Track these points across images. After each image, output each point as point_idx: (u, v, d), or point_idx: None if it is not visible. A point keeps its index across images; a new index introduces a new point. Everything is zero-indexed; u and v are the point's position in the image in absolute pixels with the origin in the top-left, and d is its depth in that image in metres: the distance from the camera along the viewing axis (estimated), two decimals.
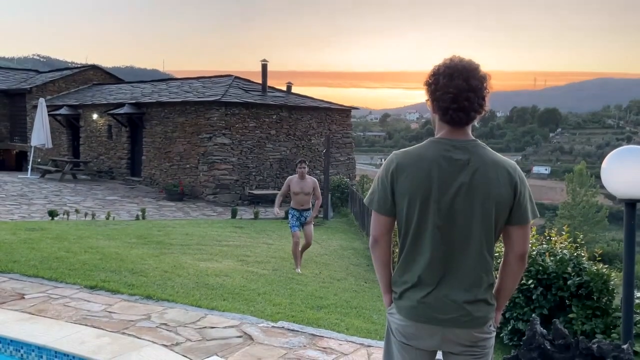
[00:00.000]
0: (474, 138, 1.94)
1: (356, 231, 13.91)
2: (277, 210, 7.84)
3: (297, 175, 7.64)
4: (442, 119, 1.93)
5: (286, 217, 9.56)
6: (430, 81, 1.93)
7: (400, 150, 2.01)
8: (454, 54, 1.93)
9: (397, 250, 2.08)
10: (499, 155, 1.94)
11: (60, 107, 22.53)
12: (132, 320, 4.29)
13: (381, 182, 1.97)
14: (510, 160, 1.95)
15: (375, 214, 2.01)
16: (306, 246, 7.90)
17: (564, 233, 5.36)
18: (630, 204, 2.53)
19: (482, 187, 1.86)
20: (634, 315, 4.24)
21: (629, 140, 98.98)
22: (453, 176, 1.87)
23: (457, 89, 1.85)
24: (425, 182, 1.88)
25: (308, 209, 7.67)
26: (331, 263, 9.01)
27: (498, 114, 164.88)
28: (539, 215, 1.95)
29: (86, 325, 4.13)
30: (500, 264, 2.01)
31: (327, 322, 4.87)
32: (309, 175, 7.85)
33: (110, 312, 4.50)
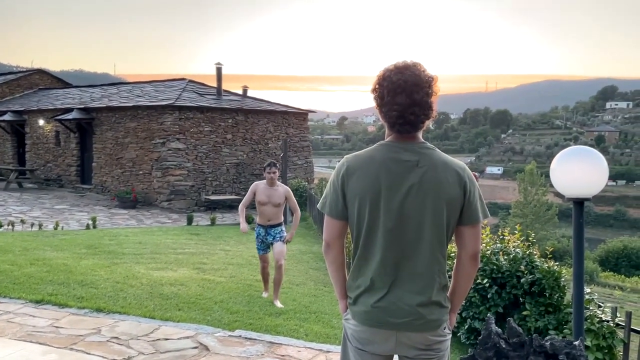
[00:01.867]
0: (423, 140, 1.94)
1: (315, 235, 13.87)
2: (244, 226, 6.02)
3: (264, 181, 5.98)
4: (389, 127, 1.94)
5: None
6: (375, 95, 1.92)
7: (352, 154, 2.00)
8: (398, 60, 1.91)
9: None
10: (448, 157, 1.94)
11: (4, 112, 21.58)
12: (80, 335, 4.10)
13: (332, 186, 1.97)
14: (459, 161, 1.96)
15: (327, 217, 1.99)
16: (277, 276, 5.94)
17: (516, 232, 5.47)
18: (578, 202, 2.59)
19: (432, 188, 1.85)
20: (585, 311, 4.36)
21: (576, 141, 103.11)
22: (402, 177, 1.86)
23: (401, 106, 1.85)
24: (375, 184, 1.87)
25: (277, 225, 5.98)
26: (290, 268, 8.92)
27: (452, 116, 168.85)
28: (489, 215, 1.96)
29: (31, 342, 3.92)
30: (454, 265, 2.01)
31: (286, 328, 4.81)
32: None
33: (57, 327, 4.29)
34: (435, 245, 1.88)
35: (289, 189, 6.08)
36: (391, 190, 1.86)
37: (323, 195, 2.02)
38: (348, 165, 1.94)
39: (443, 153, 1.94)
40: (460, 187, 1.88)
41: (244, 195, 6.16)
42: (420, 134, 1.94)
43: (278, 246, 5.96)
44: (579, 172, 2.57)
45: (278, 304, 5.80)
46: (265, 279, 6.29)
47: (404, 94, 1.84)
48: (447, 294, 1.98)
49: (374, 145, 1.97)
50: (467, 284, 2.01)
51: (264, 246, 6.08)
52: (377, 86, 1.91)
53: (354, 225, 1.94)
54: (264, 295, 6.17)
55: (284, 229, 6.07)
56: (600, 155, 2.68)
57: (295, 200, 6.05)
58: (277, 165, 6.05)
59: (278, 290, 5.98)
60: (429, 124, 1.94)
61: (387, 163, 1.88)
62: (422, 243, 1.87)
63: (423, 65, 1.90)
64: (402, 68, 1.88)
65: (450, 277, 2.01)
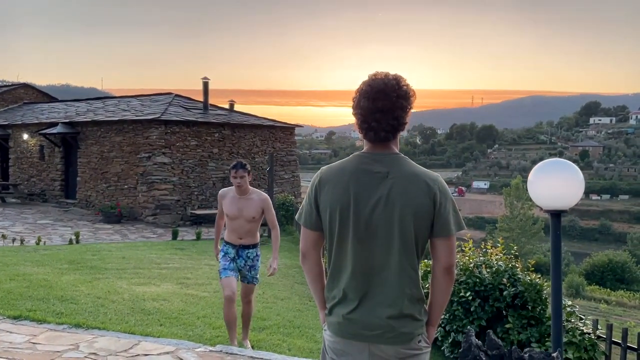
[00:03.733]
0: (396, 152, 1.94)
1: None
2: (218, 252, 4.73)
3: (232, 188, 4.55)
4: (362, 137, 1.97)
5: None
6: (352, 99, 1.97)
7: (327, 165, 2.02)
8: (378, 71, 1.93)
9: None
10: (420, 168, 1.94)
11: None
12: (57, 351, 4.03)
13: (307, 197, 2.00)
14: (432, 172, 1.95)
15: (303, 228, 2.02)
16: (246, 310, 4.72)
17: (499, 245, 5.50)
18: (555, 214, 2.61)
19: (400, 199, 1.85)
20: (567, 323, 4.38)
21: (560, 155, 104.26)
22: (372, 189, 1.87)
23: (364, 110, 1.88)
24: (344, 195, 1.88)
25: (252, 247, 4.57)
26: (275, 282, 8.87)
27: (439, 131, 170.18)
28: (465, 227, 1.96)
29: (7, 358, 3.84)
30: (430, 279, 2.00)
31: (269, 343, 4.76)
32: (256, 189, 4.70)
33: (34, 343, 4.21)
34: (404, 257, 1.87)
35: (267, 198, 4.62)
36: (360, 201, 1.87)
37: (300, 207, 2.05)
38: (321, 176, 1.97)
39: (415, 164, 1.94)
40: (429, 198, 1.86)
41: None
42: (393, 145, 1.94)
43: (248, 290, 4.66)
44: (555, 184, 2.60)
45: (247, 344, 4.62)
46: (231, 324, 4.53)
47: (368, 99, 1.87)
48: (425, 307, 1.97)
49: (349, 157, 1.99)
50: (444, 297, 1.99)
51: (233, 265, 4.51)
52: (355, 93, 1.96)
53: (327, 236, 1.96)
54: (234, 345, 4.46)
55: (259, 253, 4.63)
56: (576, 167, 2.71)
57: (274, 213, 4.69)
58: (247, 167, 4.48)
59: (248, 327, 4.76)
60: (396, 136, 1.94)
61: (358, 174, 1.89)
62: (391, 255, 1.87)
63: (404, 79, 1.90)
64: (377, 75, 1.91)
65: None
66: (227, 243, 4.58)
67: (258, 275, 4.69)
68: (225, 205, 4.54)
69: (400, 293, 1.88)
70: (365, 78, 1.94)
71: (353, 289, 1.90)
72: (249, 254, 4.58)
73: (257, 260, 4.65)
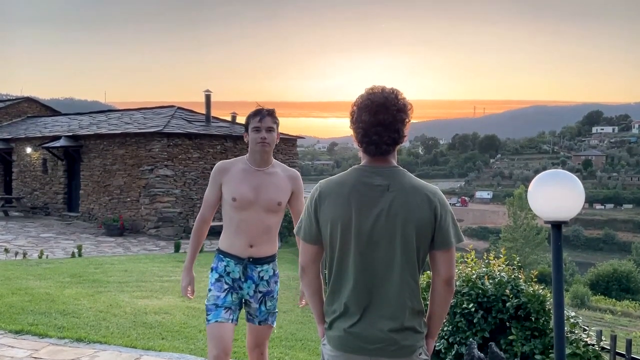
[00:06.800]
0: (395, 165, 1.95)
1: None
2: (184, 284, 3.00)
3: (244, 158, 2.88)
4: (361, 151, 1.97)
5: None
6: (350, 114, 1.96)
7: (326, 178, 2.02)
8: (375, 84, 1.94)
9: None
10: (420, 181, 1.95)
11: None
12: None
13: (307, 211, 1.98)
14: (431, 185, 1.96)
15: (302, 242, 2.01)
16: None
17: (501, 256, 5.48)
18: (556, 225, 2.60)
19: (402, 212, 1.85)
20: (570, 334, 4.35)
21: (563, 165, 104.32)
22: (373, 202, 1.87)
23: (365, 124, 1.88)
24: (346, 208, 1.87)
25: (268, 259, 2.86)
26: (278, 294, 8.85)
27: (441, 142, 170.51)
28: (463, 240, 1.96)
29: None
30: (430, 291, 2.00)
31: (272, 356, 4.74)
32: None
33: (36, 357, 4.21)
34: (406, 270, 1.87)
35: (299, 176, 2.92)
36: (362, 214, 1.86)
37: (299, 220, 2.03)
38: (321, 190, 1.95)
39: (415, 177, 1.95)
40: (430, 211, 1.88)
41: None
42: (392, 158, 1.96)
43: (262, 333, 2.93)
44: (556, 195, 2.59)
45: None
46: None
47: (369, 113, 1.88)
48: (424, 319, 1.97)
49: (348, 170, 1.99)
50: (443, 309, 2.00)
51: (230, 301, 2.77)
52: (352, 106, 1.96)
53: (327, 250, 1.95)
54: None
55: (277, 271, 2.91)
56: (576, 178, 2.71)
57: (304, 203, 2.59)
58: (275, 116, 2.83)
59: None
60: (398, 148, 1.96)
61: (358, 187, 1.89)
62: (392, 268, 1.87)
63: (401, 93, 1.93)
64: (374, 89, 1.92)
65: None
66: (227, 255, 2.82)
67: (276, 310, 2.94)
68: (229, 185, 2.76)
69: (402, 306, 1.87)
70: (362, 92, 1.95)
71: (355, 302, 1.89)
72: (262, 274, 2.81)
73: (276, 283, 2.91)
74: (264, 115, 2.79)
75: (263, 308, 2.88)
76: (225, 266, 2.85)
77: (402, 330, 1.87)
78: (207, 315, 2.79)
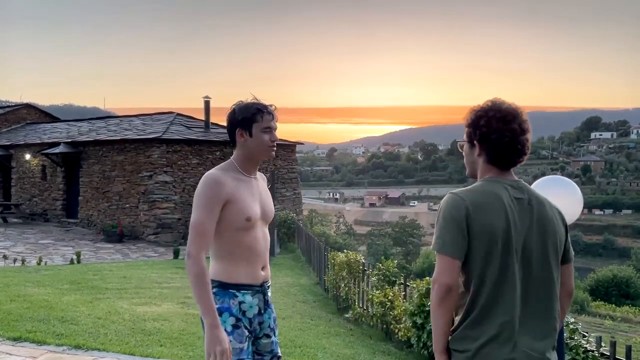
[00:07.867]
0: (517, 178, 1.92)
1: (303, 267, 13.77)
2: (223, 339, 2.08)
3: (233, 162, 2.46)
4: (491, 162, 1.88)
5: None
6: (479, 123, 1.87)
7: (460, 189, 1.86)
8: (495, 97, 1.90)
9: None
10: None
11: None
12: None
13: (454, 223, 1.78)
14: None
15: (446, 258, 1.77)
16: None
17: None
18: None
19: (548, 227, 1.83)
20: (570, 340, 4.34)
21: (562, 170, 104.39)
22: (523, 216, 1.81)
23: (513, 133, 1.83)
24: (504, 223, 1.77)
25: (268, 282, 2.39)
26: (276, 301, 8.78)
27: (440, 147, 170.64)
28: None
29: None
30: None
31: None
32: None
33: None
34: (557, 285, 1.84)
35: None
36: (516, 229, 1.78)
37: (436, 236, 1.81)
38: (471, 200, 1.80)
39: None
40: (563, 225, 1.90)
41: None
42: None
43: None
44: (555, 201, 2.59)
45: None
46: None
47: (516, 122, 1.84)
48: None
49: (482, 182, 1.88)
50: (561, 323, 2.00)
51: (251, 351, 2.27)
52: (480, 116, 1.87)
53: (477, 267, 1.77)
54: None
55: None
56: (575, 185, 2.72)
57: None
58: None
59: None
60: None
61: (508, 201, 1.81)
62: (546, 284, 1.82)
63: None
64: (501, 102, 1.88)
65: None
66: (241, 288, 2.27)
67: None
68: (237, 203, 2.26)
69: (554, 323, 1.83)
70: (477, 104, 1.92)
71: (510, 324, 1.75)
72: (268, 298, 2.40)
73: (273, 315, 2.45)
74: (273, 114, 2.37)
75: (275, 338, 2.41)
76: (240, 303, 2.25)
77: (552, 350, 1.83)
78: None
